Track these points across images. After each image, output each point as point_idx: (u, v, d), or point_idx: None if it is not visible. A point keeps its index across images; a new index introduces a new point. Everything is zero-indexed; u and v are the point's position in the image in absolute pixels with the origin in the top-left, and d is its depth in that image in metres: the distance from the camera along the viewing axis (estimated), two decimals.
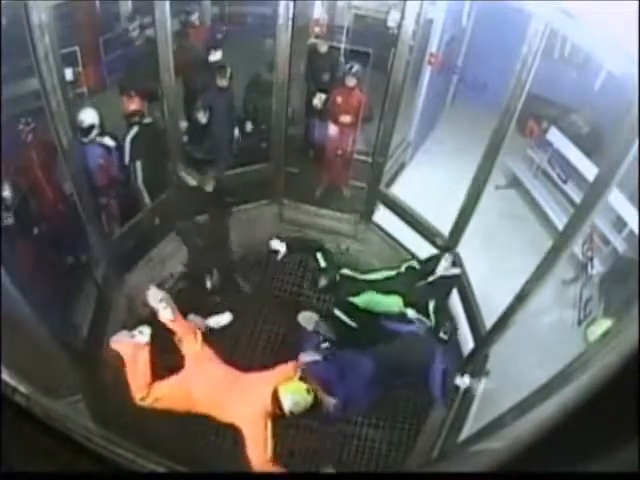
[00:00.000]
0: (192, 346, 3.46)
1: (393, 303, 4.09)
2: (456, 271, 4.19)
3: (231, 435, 3.71)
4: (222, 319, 4.09)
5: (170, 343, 3.49)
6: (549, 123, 6.31)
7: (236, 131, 5.65)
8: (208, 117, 5.25)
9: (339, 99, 5.54)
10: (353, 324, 4.13)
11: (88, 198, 3.83)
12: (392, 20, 5.18)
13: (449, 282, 4.23)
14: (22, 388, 1.00)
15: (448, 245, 4.40)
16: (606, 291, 4.95)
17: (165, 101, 4.27)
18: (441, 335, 3.67)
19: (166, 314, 3.50)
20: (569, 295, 5.07)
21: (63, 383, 2.74)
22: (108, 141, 4.54)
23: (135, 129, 4.76)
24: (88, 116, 4.34)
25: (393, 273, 4.22)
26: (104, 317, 4.10)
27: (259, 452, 3.13)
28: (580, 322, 4.81)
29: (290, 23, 4.18)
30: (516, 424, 1.26)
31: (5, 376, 1.02)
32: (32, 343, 2.53)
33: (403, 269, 4.24)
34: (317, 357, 3.47)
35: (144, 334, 3.45)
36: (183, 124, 5.07)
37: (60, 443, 0.94)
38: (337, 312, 4.18)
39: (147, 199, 4.87)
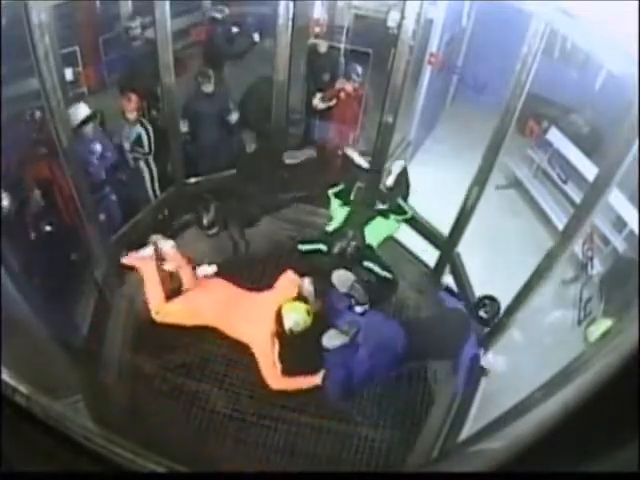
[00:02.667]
0: (191, 272, 3.74)
1: (384, 224, 4.37)
2: (401, 162, 4.61)
3: (231, 435, 3.71)
4: (208, 269, 4.04)
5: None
6: (549, 123, 6.31)
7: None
8: (194, 125, 5.11)
9: (337, 99, 5.53)
10: (385, 273, 4.11)
11: (87, 197, 3.83)
12: (392, 20, 5.17)
13: (405, 178, 4.59)
14: (22, 388, 1.00)
15: (447, 245, 4.41)
16: (606, 291, 4.94)
17: (165, 101, 4.27)
18: (481, 314, 3.57)
19: (167, 244, 3.74)
20: (569, 295, 5.06)
21: (63, 383, 2.74)
22: (103, 137, 4.53)
23: (135, 128, 4.76)
24: (80, 111, 4.30)
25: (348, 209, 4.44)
26: (104, 317, 4.10)
27: (270, 369, 3.40)
28: (580, 322, 4.80)
29: (290, 23, 4.18)
30: (516, 424, 1.26)
31: (5, 376, 1.02)
32: (32, 343, 2.53)
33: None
34: (344, 341, 3.37)
35: (148, 250, 3.70)
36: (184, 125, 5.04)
37: (60, 443, 0.94)
38: (366, 264, 4.13)
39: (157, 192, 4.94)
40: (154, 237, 3.84)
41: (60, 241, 4.18)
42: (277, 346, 3.45)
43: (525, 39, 3.17)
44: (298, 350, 3.49)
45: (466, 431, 3.50)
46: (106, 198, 4.60)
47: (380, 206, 4.55)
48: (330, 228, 4.35)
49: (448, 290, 4.16)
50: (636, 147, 2.55)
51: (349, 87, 5.45)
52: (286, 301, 3.48)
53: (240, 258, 4.82)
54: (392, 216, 4.45)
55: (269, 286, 3.73)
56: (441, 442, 3.65)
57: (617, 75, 2.74)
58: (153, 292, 3.52)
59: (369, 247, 4.21)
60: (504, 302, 3.63)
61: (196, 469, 1.21)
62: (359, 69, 5.49)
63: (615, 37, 2.54)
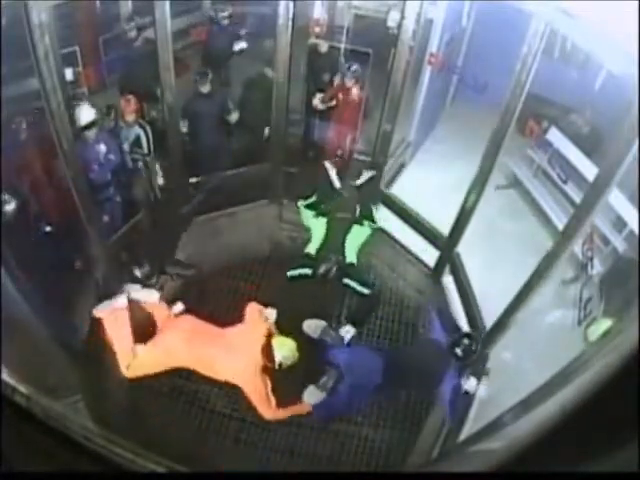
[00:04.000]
0: (163, 311, 3.74)
1: (360, 231, 4.52)
2: (371, 173, 4.79)
3: (231, 435, 3.71)
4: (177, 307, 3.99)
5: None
6: (549, 123, 6.30)
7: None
8: (193, 125, 5.08)
9: (336, 99, 5.53)
10: (364, 290, 4.26)
11: (88, 198, 3.83)
12: (392, 20, 5.17)
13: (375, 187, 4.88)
14: (22, 388, 1.00)
15: (447, 245, 4.41)
16: (606, 291, 4.94)
17: (165, 101, 4.27)
18: (457, 351, 3.59)
19: (152, 296, 3.76)
20: (569, 295, 5.06)
21: (63, 383, 2.74)
22: (108, 139, 4.49)
23: (134, 129, 4.75)
24: (85, 113, 4.25)
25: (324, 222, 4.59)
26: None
27: (264, 404, 3.45)
28: (580, 322, 4.80)
29: (290, 23, 4.18)
30: (516, 424, 1.26)
31: (5, 376, 1.02)
32: (32, 343, 2.53)
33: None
34: (322, 395, 3.52)
35: (121, 299, 3.58)
36: (184, 125, 5.03)
37: (60, 443, 0.94)
38: (345, 281, 4.28)
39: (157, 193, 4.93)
40: (130, 288, 3.78)
41: (60, 241, 4.17)
42: (268, 381, 3.51)
43: (525, 39, 3.17)
44: (288, 382, 3.60)
45: (466, 431, 3.50)
46: (110, 200, 4.57)
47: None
48: (312, 249, 4.45)
49: (440, 315, 4.17)
50: (636, 147, 2.55)
51: (349, 83, 5.43)
52: (272, 336, 3.57)
53: (240, 261, 4.84)
54: (365, 222, 4.63)
55: (239, 319, 3.72)
56: (441, 442, 3.65)
57: (617, 75, 2.74)
58: (121, 346, 3.46)
59: (351, 265, 4.35)
60: (504, 302, 3.63)
61: (196, 469, 1.20)
62: (355, 66, 5.47)
63: (615, 37, 2.54)
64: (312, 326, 4.06)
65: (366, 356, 3.76)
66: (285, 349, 3.47)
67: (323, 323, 4.06)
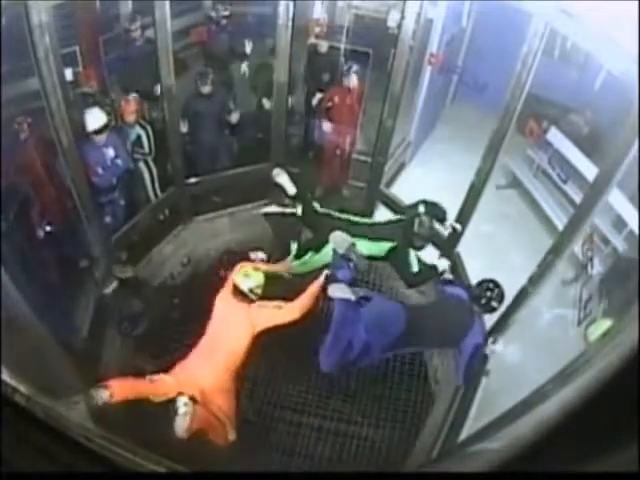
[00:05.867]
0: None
1: (381, 249, 4.13)
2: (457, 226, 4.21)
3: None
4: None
5: None
6: (549, 123, 6.29)
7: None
8: (193, 125, 5.07)
9: (336, 99, 5.53)
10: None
11: (88, 198, 3.83)
12: (392, 20, 5.17)
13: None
14: (22, 388, 1.00)
15: (447, 245, 4.40)
16: (606, 291, 4.93)
17: (165, 101, 4.27)
18: (493, 304, 3.51)
19: None
20: (569, 295, 5.05)
21: (63, 383, 2.74)
22: (118, 144, 4.44)
23: (135, 130, 4.76)
24: (97, 118, 4.19)
25: (381, 220, 4.33)
26: (104, 317, 4.10)
27: (292, 312, 3.44)
28: (580, 322, 4.79)
29: (290, 23, 4.18)
30: (516, 424, 1.26)
31: (5, 376, 1.02)
32: (32, 343, 2.53)
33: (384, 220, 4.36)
34: (349, 293, 3.28)
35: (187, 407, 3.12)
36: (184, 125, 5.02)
37: (60, 443, 0.94)
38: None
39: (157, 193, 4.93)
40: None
41: (60, 241, 4.17)
42: (265, 302, 3.50)
43: (525, 39, 3.17)
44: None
45: (466, 431, 3.50)
46: (113, 202, 4.54)
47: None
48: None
49: (445, 282, 4.07)
50: (636, 147, 2.55)
51: (348, 84, 5.41)
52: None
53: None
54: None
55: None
56: (441, 442, 3.65)
57: (617, 75, 2.74)
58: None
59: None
60: (504, 302, 3.63)
61: (196, 469, 1.21)
62: (355, 67, 5.46)
63: (615, 37, 2.54)
64: (338, 239, 3.74)
65: (388, 305, 3.56)
66: (251, 280, 3.50)
67: (350, 239, 3.74)
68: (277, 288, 3.75)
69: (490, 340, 3.63)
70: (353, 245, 3.69)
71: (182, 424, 2.98)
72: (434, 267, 4.10)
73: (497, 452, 1.09)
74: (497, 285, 3.61)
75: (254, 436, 3.70)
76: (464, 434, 3.49)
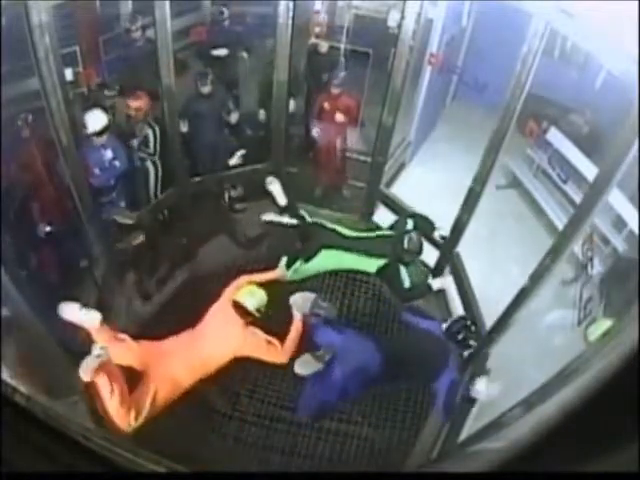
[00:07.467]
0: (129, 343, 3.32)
1: (370, 265, 4.16)
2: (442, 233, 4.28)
3: (231, 435, 3.71)
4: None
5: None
6: (549, 123, 6.30)
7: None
8: (193, 125, 5.05)
9: (325, 105, 5.52)
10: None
11: (88, 198, 3.83)
12: (392, 20, 5.17)
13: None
14: (22, 388, 1.00)
15: (447, 245, 4.40)
16: (606, 291, 4.94)
17: (165, 101, 4.26)
18: (470, 342, 3.51)
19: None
20: (569, 295, 5.06)
21: (63, 383, 2.74)
22: (117, 145, 4.41)
23: (145, 128, 4.74)
24: (98, 119, 4.16)
25: (371, 234, 4.29)
26: (104, 317, 4.09)
27: (272, 353, 3.41)
28: (580, 322, 4.80)
29: (290, 23, 4.18)
30: (516, 424, 1.26)
31: (5, 376, 1.02)
32: (32, 343, 2.53)
33: (374, 235, 4.31)
34: (314, 365, 3.31)
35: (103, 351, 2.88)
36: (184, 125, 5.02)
37: (60, 443, 0.94)
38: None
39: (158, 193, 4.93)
40: (65, 309, 3.12)
41: (60, 241, 4.17)
42: (259, 331, 3.47)
43: (525, 39, 3.17)
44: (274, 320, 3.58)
45: (466, 431, 3.50)
46: (112, 203, 4.50)
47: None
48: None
49: (412, 311, 4.10)
50: (636, 147, 2.55)
51: (335, 91, 5.41)
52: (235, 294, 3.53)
53: (240, 261, 4.83)
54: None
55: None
56: (441, 442, 3.65)
57: (617, 75, 2.74)
58: (121, 400, 2.92)
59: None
60: (504, 302, 3.63)
61: (196, 469, 1.21)
62: (344, 76, 5.46)
63: (615, 37, 2.54)
64: (299, 301, 3.53)
65: (362, 344, 3.52)
66: (256, 298, 3.46)
67: (311, 295, 3.59)
68: (278, 296, 3.69)
69: (471, 383, 3.52)
70: (316, 300, 3.56)
71: (90, 363, 2.74)
72: (428, 285, 4.17)
73: (497, 452, 1.09)
74: (474, 322, 3.64)
75: (254, 436, 3.70)
76: (464, 434, 3.49)
